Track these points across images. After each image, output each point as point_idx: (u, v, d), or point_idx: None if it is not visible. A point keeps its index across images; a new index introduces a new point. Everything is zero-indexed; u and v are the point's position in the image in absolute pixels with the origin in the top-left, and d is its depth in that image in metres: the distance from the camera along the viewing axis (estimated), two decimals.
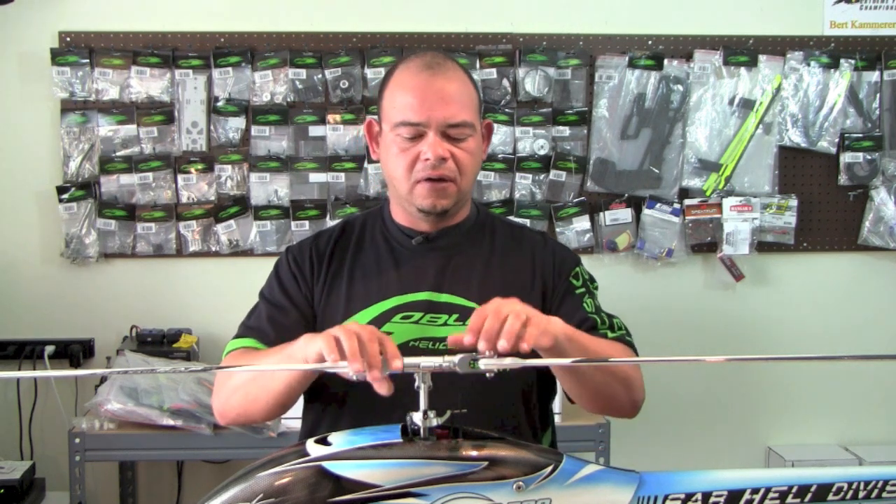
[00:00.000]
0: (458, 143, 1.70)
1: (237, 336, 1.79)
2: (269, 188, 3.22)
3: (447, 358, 1.39)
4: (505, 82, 3.23)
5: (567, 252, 1.88)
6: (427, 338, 1.72)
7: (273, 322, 1.77)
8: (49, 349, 3.12)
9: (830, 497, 1.39)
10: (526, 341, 1.40)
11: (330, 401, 1.75)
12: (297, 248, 1.86)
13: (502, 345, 1.38)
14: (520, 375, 1.70)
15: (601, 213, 3.28)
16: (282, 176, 3.21)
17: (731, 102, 3.29)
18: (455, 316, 1.73)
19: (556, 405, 2.10)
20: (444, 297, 1.75)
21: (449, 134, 1.69)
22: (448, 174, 1.70)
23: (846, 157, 3.33)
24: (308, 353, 1.45)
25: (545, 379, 1.80)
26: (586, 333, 1.63)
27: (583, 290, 1.80)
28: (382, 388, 1.38)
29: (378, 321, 1.73)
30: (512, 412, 1.75)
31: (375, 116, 1.80)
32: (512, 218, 3.08)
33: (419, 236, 1.79)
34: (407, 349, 1.66)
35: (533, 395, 1.79)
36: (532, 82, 3.22)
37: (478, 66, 3.21)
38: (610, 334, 1.74)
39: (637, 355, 1.77)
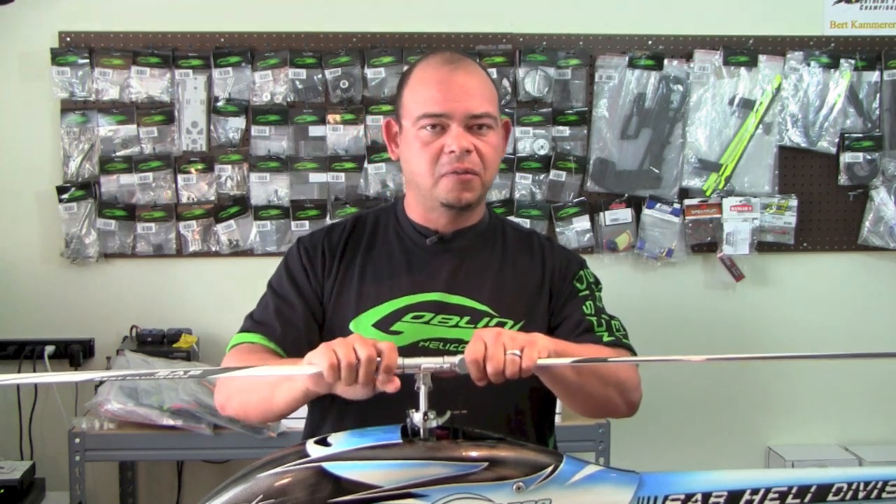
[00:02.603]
0: (481, 135, 1.70)
1: (243, 330, 1.78)
2: (269, 188, 3.21)
3: (447, 358, 1.39)
4: (505, 82, 3.23)
5: (572, 255, 1.88)
6: (437, 338, 1.71)
7: (280, 316, 1.76)
8: (49, 349, 3.12)
9: (830, 497, 1.39)
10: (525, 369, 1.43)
11: (334, 399, 1.75)
12: (310, 240, 1.84)
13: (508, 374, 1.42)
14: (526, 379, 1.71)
15: (601, 213, 3.28)
16: (282, 176, 3.21)
17: (731, 102, 3.29)
18: (466, 318, 1.73)
19: (556, 405, 2.10)
20: (456, 299, 1.74)
21: (472, 126, 1.69)
22: (473, 167, 1.69)
23: (846, 157, 3.33)
24: (295, 387, 1.52)
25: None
26: (575, 343, 1.63)
27: (586, 292, 1.80)
28: (388, 388, 1.40)
29: (389, 320, 1.73)
30: (518, 415, 1.75)
31: (393, 116, 1.80)
32: (513, 218, 3.08)
33: (434, 236, 1.78)
34: (417, 349, 1.67)
35: (541, 397, 1.78)
36: (532, 82, 3.22)
37: None
38: (606, 337, 1.73)
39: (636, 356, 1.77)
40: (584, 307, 1.77)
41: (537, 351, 1.42)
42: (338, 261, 1.79)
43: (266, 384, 1.60)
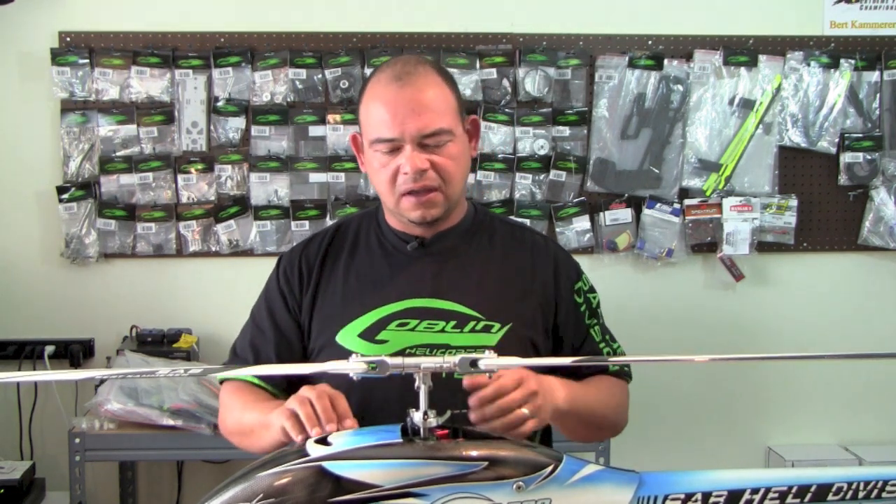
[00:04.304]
0: (437, 151, 1.68)
1: (228, 362, 1.85)
2: (269, 188, 3.22)
3: (447, 359, 1.39)
4: (505, 82, 3.23)
5: (569, 261, 1.87)
6: (424, 345, 1.71)
7: (254, 348, 1.80)
8: (49, 349, 3.12)
9: (830, 497, 1.39)
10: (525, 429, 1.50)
11: None
12: (288, 258, 1.85)
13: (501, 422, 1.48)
14: None
15: (601, 213, 3.28)
16: (282, 176, 3.21)
17: (731, 102, 3.29)
18: (452, 322, 1.72)
19: None
20: (441, 304, 1.74)
21: (427, 143, 1.67)
22: (431, 184, 1.68)
23: (846, 157, 3.32)
24: (273, 436, 1.52)
25: None
26: (586, 388, 1.71)
27: (585, 309, 1.82)
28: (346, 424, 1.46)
29: (374, 329, 1.73)
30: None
31: (358, 129, 1.79)
32: (513, 218, 3.08)
33: (414, 241, 1.78)
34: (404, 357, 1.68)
35: None
36: (532, 82, 3.22)
37: (478, 66, 3.20)
38: (611, 368, 1.79)
39: (628, 386, 1.85)
40: (592, 332, 1.82)
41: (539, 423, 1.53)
42: (317, 273, 1.80)
43: (251, 432, 1.66)
